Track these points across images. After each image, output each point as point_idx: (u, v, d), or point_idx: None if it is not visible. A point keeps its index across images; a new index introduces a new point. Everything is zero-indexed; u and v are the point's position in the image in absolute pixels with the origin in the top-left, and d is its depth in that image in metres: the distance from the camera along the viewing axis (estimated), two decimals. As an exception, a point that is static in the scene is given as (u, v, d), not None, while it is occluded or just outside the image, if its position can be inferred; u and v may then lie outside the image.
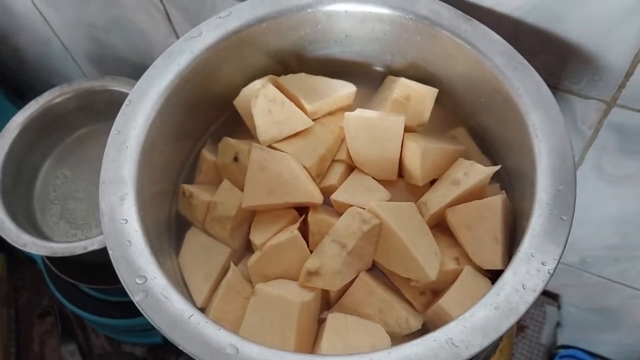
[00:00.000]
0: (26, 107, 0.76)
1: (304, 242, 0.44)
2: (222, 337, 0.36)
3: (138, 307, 0.37)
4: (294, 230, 0.43)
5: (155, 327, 0.36)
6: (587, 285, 0.80)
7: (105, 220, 0.40)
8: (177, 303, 0.37)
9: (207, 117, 0.53)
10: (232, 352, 0.35)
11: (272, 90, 0.47)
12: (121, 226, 0.40)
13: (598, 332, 0.90)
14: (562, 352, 0.94)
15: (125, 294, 0.84)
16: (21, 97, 0.99)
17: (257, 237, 0.46)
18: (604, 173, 0.58)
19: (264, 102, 0.47)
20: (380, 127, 0.46)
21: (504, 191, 0.45)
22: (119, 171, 0.42)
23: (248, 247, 0.48)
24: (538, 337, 0.80)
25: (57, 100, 0.77)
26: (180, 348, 0.36)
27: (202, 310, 0.45)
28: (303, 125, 0.48)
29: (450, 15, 0.46)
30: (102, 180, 0.42)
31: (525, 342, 0.80)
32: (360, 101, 0.51)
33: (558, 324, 0.90)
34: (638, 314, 0.81)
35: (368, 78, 0.53)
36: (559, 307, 0.86)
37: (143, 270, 0.38)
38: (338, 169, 0.48)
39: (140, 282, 0.38)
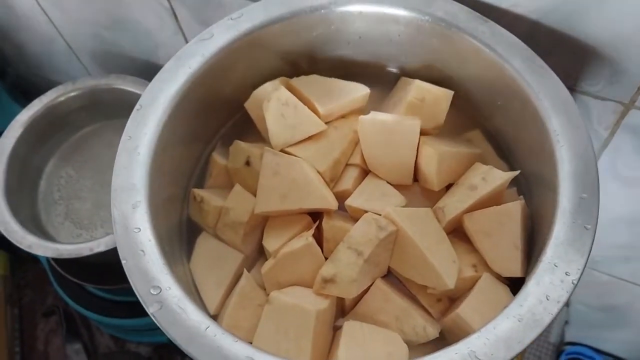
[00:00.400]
0: (30, 105, 0.75)
1: (318, 249, 0.43)
2: (239, 349, 0.35)
3: (153, 319, 0.36)
4: (308, 238, 0.43)
5: (171, 339, 0.36)
6: (596, 284, 0.79)
7: (117, 229, 0.39)
8: (193, 314, 0.36)
9: (217, 119, 0.52)
10: (249, 365, 0.34)
11: (285, 93, 0.46)
12: (134, 235, 0.39)
13: (605, 329, 0.90)
14: (569, 348, 0.93)
15: (130, 294, 0.83)
16: (24, 95, 0.98)
17: (270, 243, 0.45)
18: (618, 174, 0.58)
19: (277, 106, 0.46)
20: (396, 131, 0.45)
21: (522, 196, 0.44)
22: (130, 178, 0.41)
23: (260, 253, 0.48)
24: (547, 336, 0.80)
25: (61, 99, 0.76)
26: (196, 360, 0.35)
27: (215, 317, 0.45)
28: (316, 128, 0.47)
29: (467, 17, 0.45)
30: (114, 188, 0.41)
31: (535, 340, 0.80)
32: (374, 103, 0.50)
33: (566, 322, 0.89)
34: (647, 312, 0.81)
35: (381, 79, 0.52)
36: (567, 305, 0.86)
37: (157, 280, 0.38)
38: (352, 173, 0.47)
39: (155, 293, 0.37)
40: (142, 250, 0.39)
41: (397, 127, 0.45)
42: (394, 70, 0.52)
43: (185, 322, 0.36)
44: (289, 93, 0.46)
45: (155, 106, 0.44)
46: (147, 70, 0.79)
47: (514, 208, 0.42)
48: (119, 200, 0.40)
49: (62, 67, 0.89)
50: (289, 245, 0.43)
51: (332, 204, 0.44)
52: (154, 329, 0.85)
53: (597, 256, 0.74)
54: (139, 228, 0.40)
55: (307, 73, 0.50)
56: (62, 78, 0.91)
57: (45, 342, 0.96)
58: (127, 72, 0.76)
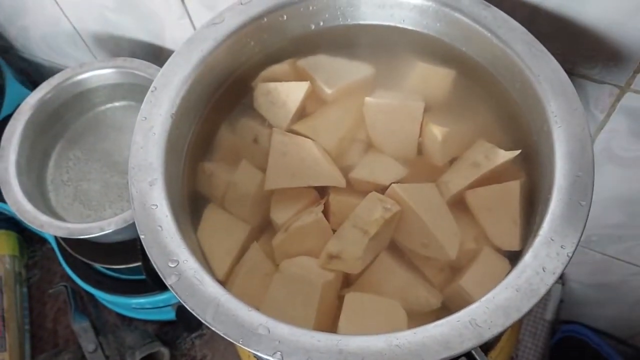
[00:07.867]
0: (39, 88, 0.76)
1: (327, 224, 0.45)
2: (254, 318, 0.37)
3: (171, 290, 0.38)
4: (318, 213, 0.45)
5: (189, 309, 0.38)
6: (590, 263, 0.81)
7: (135, 206, 0.41)
8: (209, 286, 0.38)
9: (227, 98, 0.53)
10: (264, 333, 0.36)
11: (264, 86, 0.50)
12: (152, 211, 0.41)
13: (598, 307, 0.92)
14: (563, 327, 0.96)
15: (137, 273, 0.85)
16: (30, 79, 0.99)
17: (278, 216, 0.47)
18: (614, 155, 0.59)
19: (264, 101, 0.49)
20: (400, 112, 0.47)
21: (522, 173, 0.46)
22: (147, 157, 0.43)
23: (266, 224, 0.49)
24: (543, 314, 0.83)
25: (70, 81, 0.77)
26: (212, 329, 0.37)
27: (222, 282, 0.46)
28: (301, 89, 0.49)
29: (470, 2, 0.47)
30: (131, 167, 0.42)
31: (531, 318, 0.82)
32: (378, 81, 0.52)
33: (561, 300, 0.92)
34: (638, 289, 0.83)
35: (386, 57, 0.53)
36: (562, 285, 0.89)
37: (175, 254, 0.39)
38: (358, 149, 0.49)
39: (173, 266, 0.39)
40: (160, 226, 0.40)
41: (402, 108, 0.47)
42: (398, 49, 0.54)
43: (202, 293, 0.38)
44: (267, 84, 0.50)
45: (169, 88, 0.45)
46: (152, 53, 0.80)
47: (514, 186, 0.44)
48: (137, 178, 0.42)
49: (67, 49, 0.89)
50: (300, 219, 0.45)
51: (340, 182, 0.46)
52: (160, 307, 0.87)
53: (592, 236, 0.76)
54: (156, 204, 0.41)
55: (314, 53, 0.52)
56: (67, 61, 0.92)
57: (54, 320, 0.98)
58: (131, 54, 0.77)
